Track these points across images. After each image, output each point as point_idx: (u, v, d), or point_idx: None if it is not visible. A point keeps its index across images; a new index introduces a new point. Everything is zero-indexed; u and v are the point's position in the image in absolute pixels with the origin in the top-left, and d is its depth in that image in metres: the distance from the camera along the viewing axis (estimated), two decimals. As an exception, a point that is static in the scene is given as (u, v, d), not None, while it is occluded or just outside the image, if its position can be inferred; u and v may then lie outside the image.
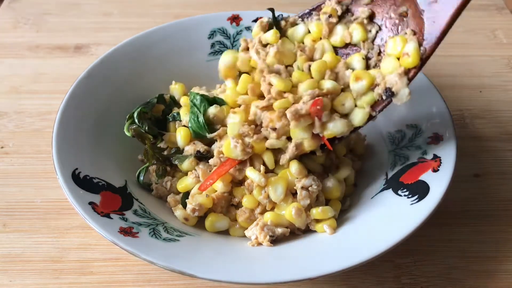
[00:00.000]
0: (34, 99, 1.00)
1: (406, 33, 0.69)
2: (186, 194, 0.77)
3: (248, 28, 0.97)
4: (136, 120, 0.82)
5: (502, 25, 1.21)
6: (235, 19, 0.98)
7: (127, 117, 0.83)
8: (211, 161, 0.76)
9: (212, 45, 0.96)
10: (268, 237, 0.70)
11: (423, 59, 0.67)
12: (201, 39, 0.96)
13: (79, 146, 0.77)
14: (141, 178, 0.80)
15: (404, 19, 0.70)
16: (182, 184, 0.78)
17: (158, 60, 0.94)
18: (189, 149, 0.79)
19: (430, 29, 0.67)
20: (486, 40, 1.17)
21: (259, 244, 0.71)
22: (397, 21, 0.71)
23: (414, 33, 0.68)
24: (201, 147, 0.78)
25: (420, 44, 0.67)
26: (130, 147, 0.83)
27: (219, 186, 0.74)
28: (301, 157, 0.74)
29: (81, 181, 0.72)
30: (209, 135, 0.78)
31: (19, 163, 0.88)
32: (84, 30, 1.17)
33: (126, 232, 0.67)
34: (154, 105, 0.87)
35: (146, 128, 0.82)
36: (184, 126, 0.81)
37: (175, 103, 0.90)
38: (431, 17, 0.67)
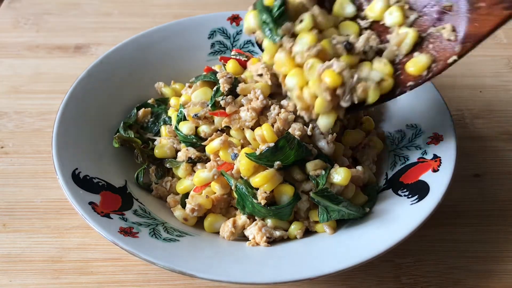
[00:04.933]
0: (34, 99, 1.00)
1: (444, 28, 0.68)
2: (186, 195, 0.77)
3: (248, 28, 0.97)
4: (122, 132, 0.83)
5: (502, 25, 1.20)
6: (235, 19, 0.98)
7: (114, 135, 0.83)
8: (207, 165, 0.76)
9: (212, 45, 0.96)
10: (265, 237, 0.70)
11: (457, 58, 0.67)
12: (201, 39, 0.96)
13: (79, 146, 0.77)
14: (141, 179, 0.80)
15: (447, 13, 0.68)
16: (182, 186, 0.78)
17: (158, 60, 0.94)
18: (181, 155, 0.79)
19: (471, 30, 0.66)
20: (486, 40, 1.17)
21: (257, 244, 0.71)
22: (437, 14, 0.69)
23: (454, 29, 0.67)
24: (192, 153, 0.78)
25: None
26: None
27: (217, 188, 0.74)
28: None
29: (81, 181, 0.72)
30: (199, 143, 0.78)
31: (19, 163, 0.88)
32: (84, 30, 1.17)
33: (126, 232, 0.67)
34: (136, 115, 0.87)
35: (132, 135, 0.82)
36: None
37: (165, 103, 0.90)
38: (475, 19, 0.66)
